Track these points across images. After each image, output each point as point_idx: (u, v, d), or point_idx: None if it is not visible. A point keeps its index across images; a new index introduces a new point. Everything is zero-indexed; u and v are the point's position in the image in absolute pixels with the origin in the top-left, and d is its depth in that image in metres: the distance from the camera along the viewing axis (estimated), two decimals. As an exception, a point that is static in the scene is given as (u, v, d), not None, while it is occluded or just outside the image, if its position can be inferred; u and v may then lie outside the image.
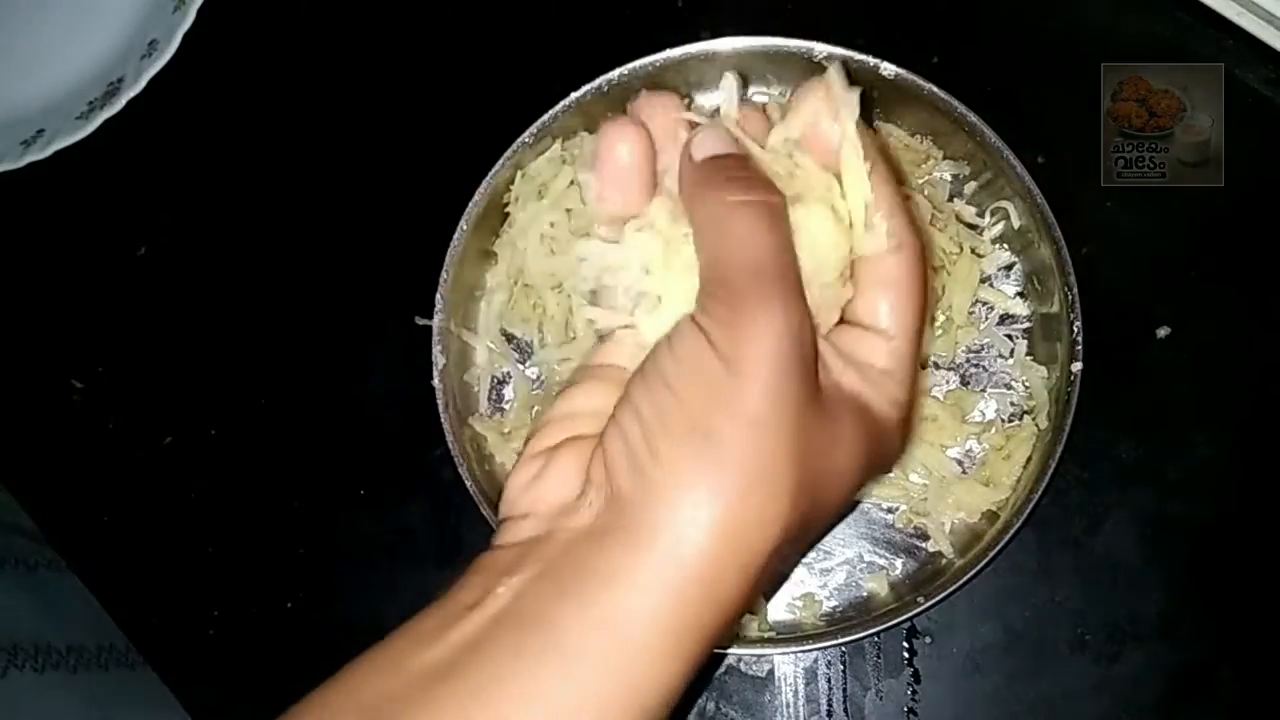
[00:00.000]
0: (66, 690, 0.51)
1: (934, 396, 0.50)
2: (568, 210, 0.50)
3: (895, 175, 0.34)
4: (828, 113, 0.33)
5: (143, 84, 0.56)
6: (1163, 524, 0.50)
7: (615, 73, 0.51)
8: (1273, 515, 0.49)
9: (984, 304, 0.51)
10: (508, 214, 0.52)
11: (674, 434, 0.28)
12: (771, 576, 0.32)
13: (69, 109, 0.57)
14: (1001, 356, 0.51)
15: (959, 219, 0.51)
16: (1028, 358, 0.50)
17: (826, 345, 0.32)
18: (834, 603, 0.49)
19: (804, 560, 0.49)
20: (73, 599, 0.52)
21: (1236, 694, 0.48)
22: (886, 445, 0.33)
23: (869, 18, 0.55)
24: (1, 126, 0.58)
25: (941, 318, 0.50)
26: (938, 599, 0.46)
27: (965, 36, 0.55)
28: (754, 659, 0.49)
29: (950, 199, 0.52)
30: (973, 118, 0.49)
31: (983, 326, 0.51)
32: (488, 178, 0.50)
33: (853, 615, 0.48)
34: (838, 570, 0.49)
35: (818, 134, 0.33)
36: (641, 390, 0.30)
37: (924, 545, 0.49)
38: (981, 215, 0.52)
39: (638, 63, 0.51)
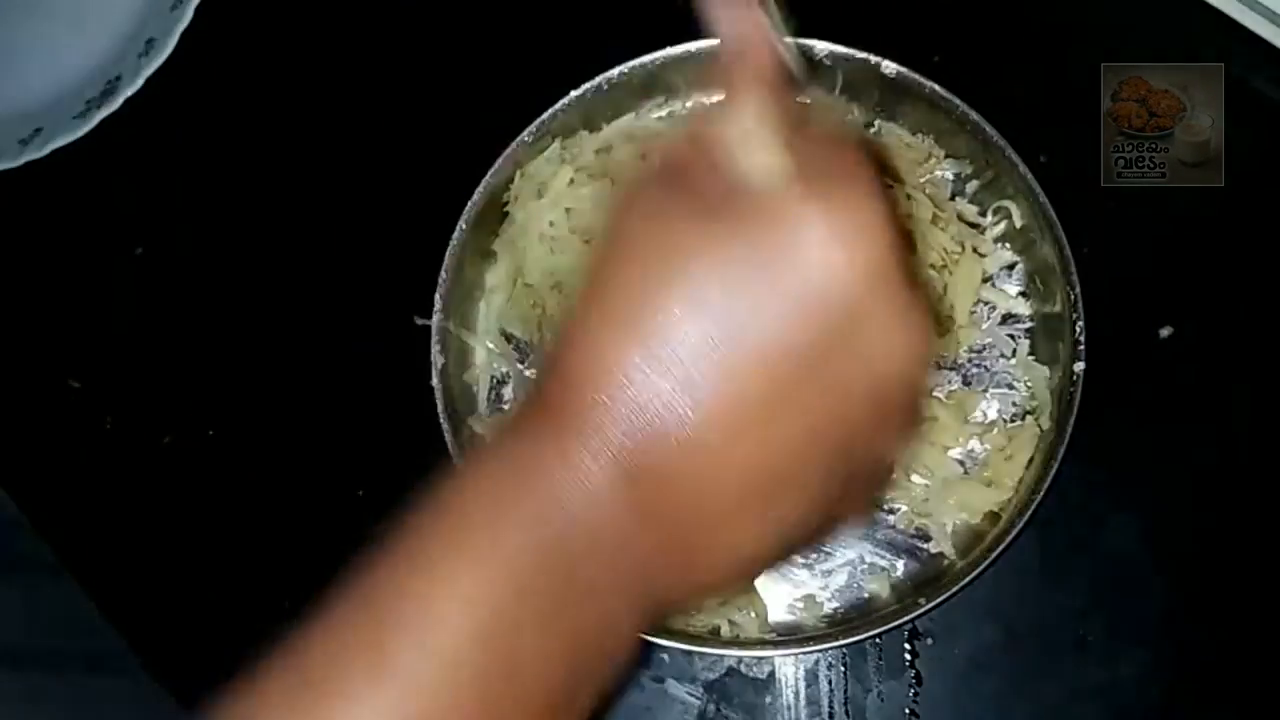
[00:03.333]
0: (47, 691, 0.51)
1: (936, 397, 0.50)
2: (567, 209, 0.50)
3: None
4: None
5: (140, 82, 0.55)
6: (1166, 525, 0.49)
7: (615, 72, 0.51)
8: (1276, 516, 0.49)
9: (986, 303, 0.51)
10: (507, 213, 0.52)
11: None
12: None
13: (67, 107, 0.57)
14: (1004, 356, 0.50)
15: (961, 218, 0.51)
16: (1030, 357, 0.50)
17: None
18: (835, 604, 0.49)
19: (804, 561, 0.49)
20: (53, 601, 0.52)
21: (1240, 696, 0.48)
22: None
23: (869, 17, 0.55)
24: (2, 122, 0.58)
25: (943, 317, 0.50)
26: (939, 600, 0.45)
27: (966, 36, 0.55)
28: (754, 661, 0.49)
29: (952, 198, 0.52)
30: (975, 116, 0.49)
31: (985, 326, 0.51)
32: (487, 177, 0.50)
33: (854, 617, 0.48)
34: (839, 572, 0.49)
35: None
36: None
37: (925, 546, 0.49)
38: (983, 214, 0.51)
39: (637, 62, 0.51)
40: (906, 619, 0.46)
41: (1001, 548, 0.45)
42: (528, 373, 0.52)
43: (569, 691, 0.26)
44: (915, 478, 0.49)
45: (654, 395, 0.25)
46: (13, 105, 0.59)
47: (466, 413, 0.50)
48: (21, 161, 0.55)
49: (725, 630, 0.47)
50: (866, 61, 0.50)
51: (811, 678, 0.49)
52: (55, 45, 0.60)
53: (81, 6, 0.60)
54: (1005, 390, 0.50)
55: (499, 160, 0.50)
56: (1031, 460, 0.48)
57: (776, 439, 0.26)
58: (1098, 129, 0.53)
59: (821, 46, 0.50)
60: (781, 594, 0.49)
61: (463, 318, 0.51)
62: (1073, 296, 0.47)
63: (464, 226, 0.49)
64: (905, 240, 0.26)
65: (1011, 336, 0.50)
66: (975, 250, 0.50)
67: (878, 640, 0.49)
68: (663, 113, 0.53)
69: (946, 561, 0.48)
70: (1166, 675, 0.48)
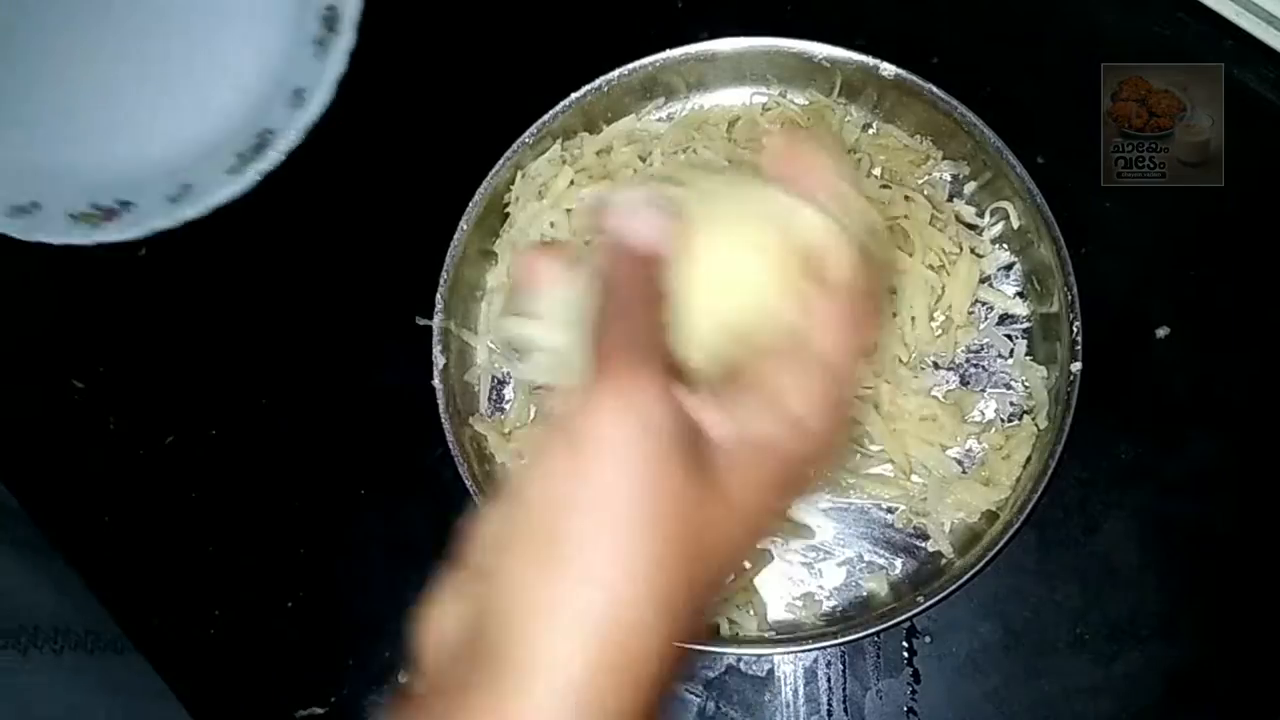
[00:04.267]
0: (83, 673, 0.52)
1: (934, 396, 0.50)
2: (568, 210, 0.50)
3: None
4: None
5: (296, 134, 0.54)
6: (1162, 524, 0.50)
7: (615, 73, 0.51)
8: (1271, 514, 0.50)
9: (984, 304, 0.51)
10: (508, 214, 0.52)
11: (523, 550, 0.26)
12: (684, 643, 0.28)
13: (216, 162, 0.55)
14: (1001, 356, 0.51)
15: (959, 219, 0.51)
16: (1027, 358, 0.50)
17: (731, 393, 0.29)
18: (834, 602, 0.49)
19: (803, 559, 0.49)
20: (85, 587, 0.53)
21: (1234, 693, 0.48)
22: (801, 469, 0.30)
23: (869, 18, 0.55)
24: (139, 182, 0.55)
25: (941, 318, 0.50)
26: (937, 599, 0.46)
27: (965, 37, 0.55)
28: (754, 659, 0.50)
29: (950, 199, 0.52)
30: (972, 118, 0.49)
31: (982, 326, 0.51)
32: (488, 178, 0.50)
33: (852, 615, 0.48)
34: (837, 570, 0.49)
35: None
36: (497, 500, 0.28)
37: (924, 545, 0.49)
38: (981, 215, 0.52)
39: (638, 63, 0.51)
40: (905, 617, 0.46)
41: (999, 546, 0.46)
42: (528, 372, 0.52)
43: None
44: (914, 477, 0.49)
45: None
46: (155, 162, 0.56)
47: (467, 412, 0.50)
48: (179, 221, 0.53)
49: (724, 628, 0.48)
50: (865, 64, 0.50)
51: (810, 675, 0.49)
52: (187, 102, 0.57)
53: (213, 65, 0.57)
54: (1003, 390, 0.50)
55: (500, 162, 0.50)
56: (1029, 460, 0.48)
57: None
58: (1098, 129, 0.53)
59: (820, 49, 0.50)
60: (780, 592, 0.49)
61: (464, 318, 0.51)
62: (1070, 297, 0.47)
63: (465, 227, 0.50)
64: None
65: (1009, 337, 0.51)
66: (973, 251, 0.50)
67: (876, 638, 0.49)
68: (662, 114, 0.54)
69: (945, 560, 0.48)
70: (1163, 673, 0.48)
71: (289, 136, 0.54)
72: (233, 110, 0.56)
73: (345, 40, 0.54)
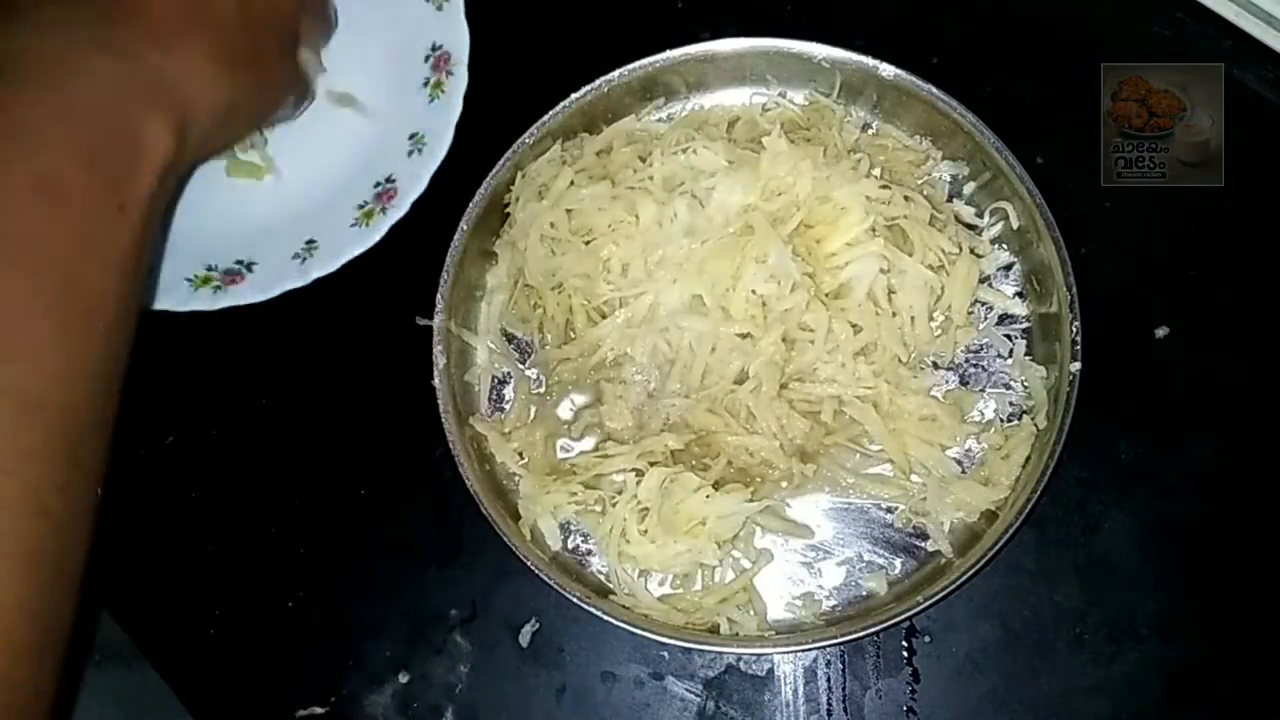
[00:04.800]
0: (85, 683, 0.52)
1: (933, 396, 0.50)
2: (568, 211, 0.50)
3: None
4: None
5: (423, 182, 0.52)
6: (1161, 523, 0.50)
7: (615, 73, 0.51)
8: (1271, 515, 0.50)
9: (983, 304, 0.51)
10: (508, 214, 0.52)
11: None
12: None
13: (339, 216, 0.53)
14: (1000, 356, 0.51)
15: (958, 219, 0.51)
16: (1026, 357, 0.50)
17: None
18: (833, 602, 0.49)
19: (803, 559, 0.49)
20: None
21: (1233, 693, 0.48)
22: None
23: (868, 18, 0.55)
24: (258, 243, 0.54)
25: (941, 318, 0.50)
26: (937, 598, 0.46)
27: (964, 37, 0.55)
28: (754, 658, 0.50)
29: (949, 199, 0.52)
30: (972, 118, 0.49)
31: (982, 326, 0.51)
32: (488, 178, 0.50)
33: (852, 614, 0.48)
34: (837, 569, 0.49)
35: None
36: None
37: (923, 545, 0.49)
38: (980, 215, 0.52)
39: (638, 63, 0.51)
40: (904, 616, 0.46)
41: (999, 546, 0.46)
42: (529, 372, 0.52)
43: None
44: (913, 477, 0.49)
45: None
46: (270, 221, 0.54)
47: (467, 413, 0.51)
48: (310, 279, 0.52)
49: (724, 627, 0.48)
50: (864, 64, 0.50)
51: (810, 675, 0.49)
52: (298, 158, 0.55)
53: (321, 120, 0.54)
54: (1002, 390, 0.50)
55: (500, 162, 0.50)
56: (1028, 459, 0.48)
57: None
58: (1098, 129, 0.53)
59: (820, 50, 0.50)
60: (780, 592, 0.49)
61: (464, 318, 0.52)
62: (1069, 297, 0.47)
63: (465, 227, 0.50)
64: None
65: (1008, 337, 0.51)
66: (972, 251, 0.50)
67: (876, 638, 0.49)
68: (662, 114, 0.54)
69: (944, 560, 0.48)
70: (1162, 673, 0.48)
71: (414, 184, 0.52)
72: (346, 163, 0.54)
73: (460, 82, 0.53)
